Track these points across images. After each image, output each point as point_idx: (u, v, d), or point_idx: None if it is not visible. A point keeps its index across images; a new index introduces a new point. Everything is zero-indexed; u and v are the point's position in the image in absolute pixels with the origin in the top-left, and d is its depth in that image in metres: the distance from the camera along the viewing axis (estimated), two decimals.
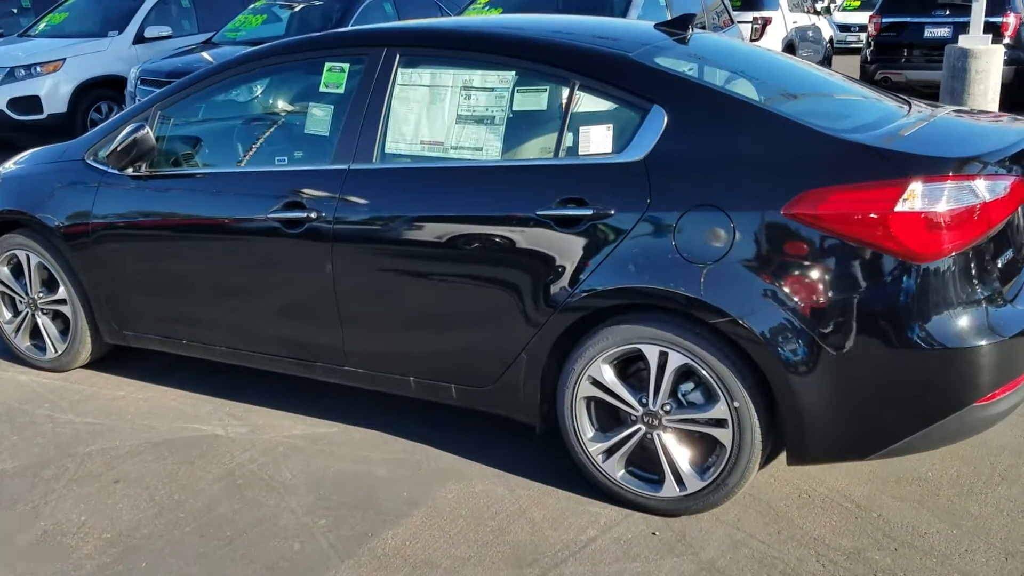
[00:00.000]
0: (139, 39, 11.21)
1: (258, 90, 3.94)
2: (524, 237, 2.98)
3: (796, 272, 2.65)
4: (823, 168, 2.68)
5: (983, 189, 2.63)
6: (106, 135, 3.91)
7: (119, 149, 3.68)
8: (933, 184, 2.58)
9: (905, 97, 3.57)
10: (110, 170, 3.81)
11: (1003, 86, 9.46)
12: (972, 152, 2.73)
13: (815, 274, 2.64)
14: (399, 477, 3.25)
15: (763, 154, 2.76)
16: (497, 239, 3.02)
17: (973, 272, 2.66)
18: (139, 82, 9.14)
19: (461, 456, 3.38)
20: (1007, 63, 10.09)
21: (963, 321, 2.63)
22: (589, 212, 2.88)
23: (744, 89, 3.13)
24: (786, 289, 2.65)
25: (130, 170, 3.76)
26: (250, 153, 3.75)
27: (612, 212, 2.85)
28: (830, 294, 2.63)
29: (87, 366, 4.24)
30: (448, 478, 3.23)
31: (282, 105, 3.96)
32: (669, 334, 2.80)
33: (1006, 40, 11.09)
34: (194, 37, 10.97)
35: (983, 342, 2.61)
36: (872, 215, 2.59)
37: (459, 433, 3.54)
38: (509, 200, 3.04)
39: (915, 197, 2.58)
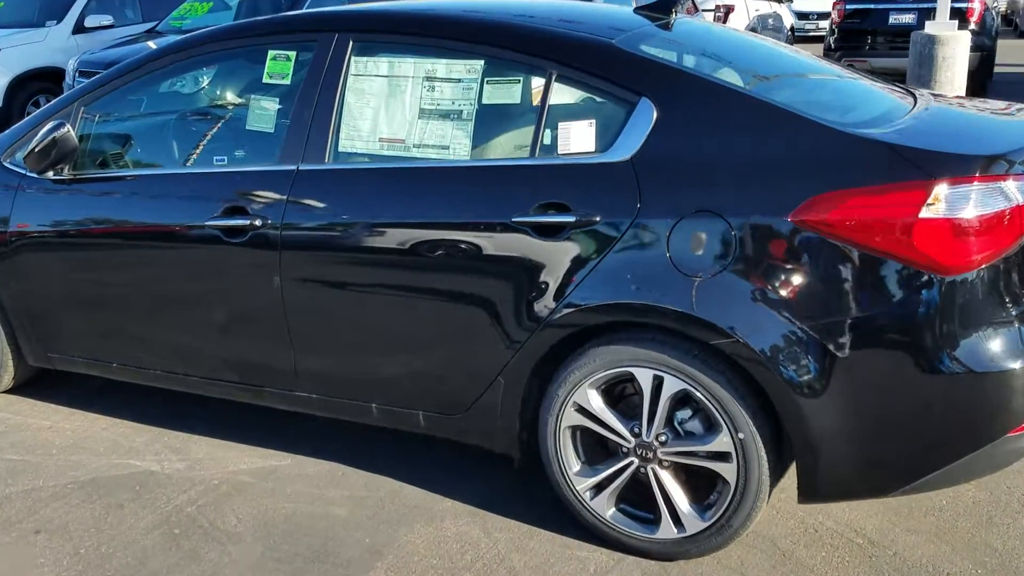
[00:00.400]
0: (79, 29, 10.71)
1: (194, 82, 3.54)
2: (498, 246, 2.64)
3: (807, 286, 2.34)
4: (835, 169, 2.37)
5: (1014, 191, 2.34)
6: (24, 134, 3.49)
7: (37, 150, 3.26)
8: (960, 186, 2.28)
9: (905, 87, 3.28)
10: (29, 173, 3.39)
11: (968, 73, 9.35)
12: (999, 149, 2.43)
13: (828, 289, 2.33)
14: (360, 519, 2.89)
15: (767, 153, 2.44)
16: (468, 249, 2.67)
17: (1005, 286, 2.37)
18: (77, 74, 8.65)
19: (430, 491, 3.03)
20: (972, 49, 9.95)
21: (994, 342, 2.33)
22: (572, 219, 2.54)
23: (739, 80, 2.81)
24: (796, 306, 2.34)
25: (51, 173, 3.35)
26: (185, 152, 3.35)
27: (597, 219, 2.52)
28: (845, 311, 2.32)
29: (10, 392, 3.81)
30: (416, 518, 2.88)
31: (221, 98, 3.56)
32: (664, 356, 2.48)
33: (971, 26, 10.98)
34: (137, 27, 10.44)
35: (1017, 365, 2.33)
36: (893, 222, 2.29)
37: (427, 463, 3.20)
38: (481, 205, 2.69)
39: (941, 201, 2.28)
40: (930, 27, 9.28)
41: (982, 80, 11.47)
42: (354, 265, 2.87)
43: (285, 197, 2.93)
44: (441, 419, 2.89)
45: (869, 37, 12.02)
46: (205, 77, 3.60)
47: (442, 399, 2.87)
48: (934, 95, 3.20)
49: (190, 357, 3.25)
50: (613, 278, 2.51)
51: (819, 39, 15.58)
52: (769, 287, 2.36)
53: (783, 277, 2.36)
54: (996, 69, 12.58)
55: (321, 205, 2.91)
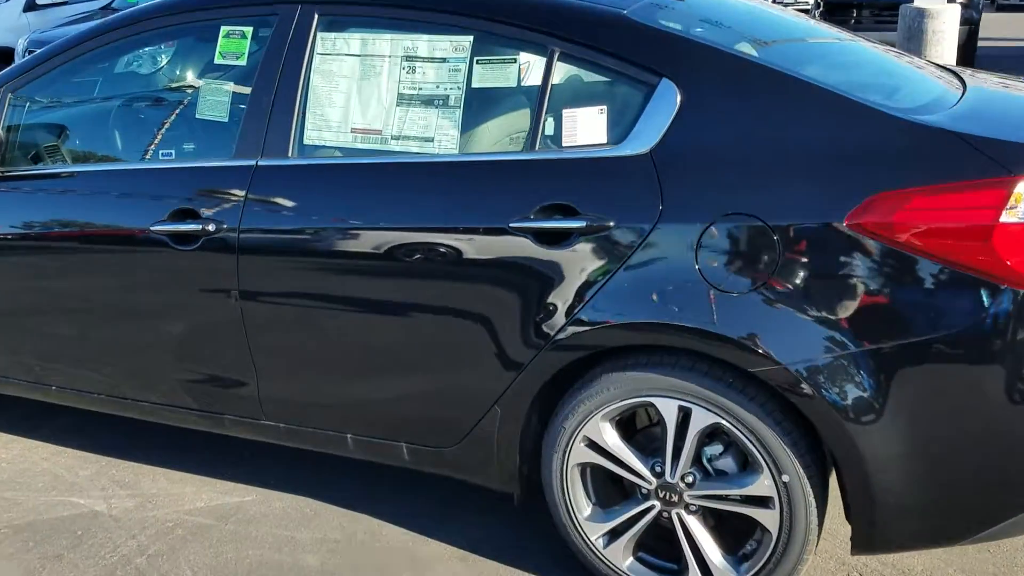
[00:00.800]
0: (30, 6, 10.18)
1: (137, 64, 3.11)
2: (493, 256, 2.26)
3: (863, 303, 1.97)
4: (896, 164, 2.00)
5: None
6: None
7: None
8: None
9: (948, 65, 2.92)
10: None
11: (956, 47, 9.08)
12: None
13: (888, 306, 1.97)
14: (335, 568, 2.50)
15: (813, 144, 2.06)
16: (457, 258, 2.29)
17: None
18: (27, 54, 8.11)
19: (413, 531, 2.65)
20: (960, 23, 9.66)
21: None
22: (580, 224, 2.16)
23: (771, 56, 2.42)
24: (850, 325, 1.98)
25: None
26: (127, 146, 2.94)
27: (610, 223, 2.13)
28: (909, 332, 1.96)
29: None
30: (399, 566, 2.50)
31: (168, 82, 3.12)
32: (692, 384, 2.11)
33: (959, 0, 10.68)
34: (92, 3, 9.88)
35: None
36: (966, 227, 1.93)
37: (410, 498, 2.82)
38: (472, 207, 2.31)
39: None
40: (920, 0, 8.97)
41: (969, 55, 11.18)
42: (324, 276, 2.48)
43: (242, 197, 2.53)
44: (428, 452, 2.51)
45: (855, 10, 11.70)
46: (149, 58, 3.16)
47: (429, 430, 2.49)
48: (976, 74, 2.84)
49: (138, 381, 2.84)
50: (630, 293, 2.13)
51: (803, 12, 15.23)
52: (818, 303, 1.99)
53: (834, 292, 1.99)
54: (978, 44, 12.30)
55: (284, 207, 2.51)
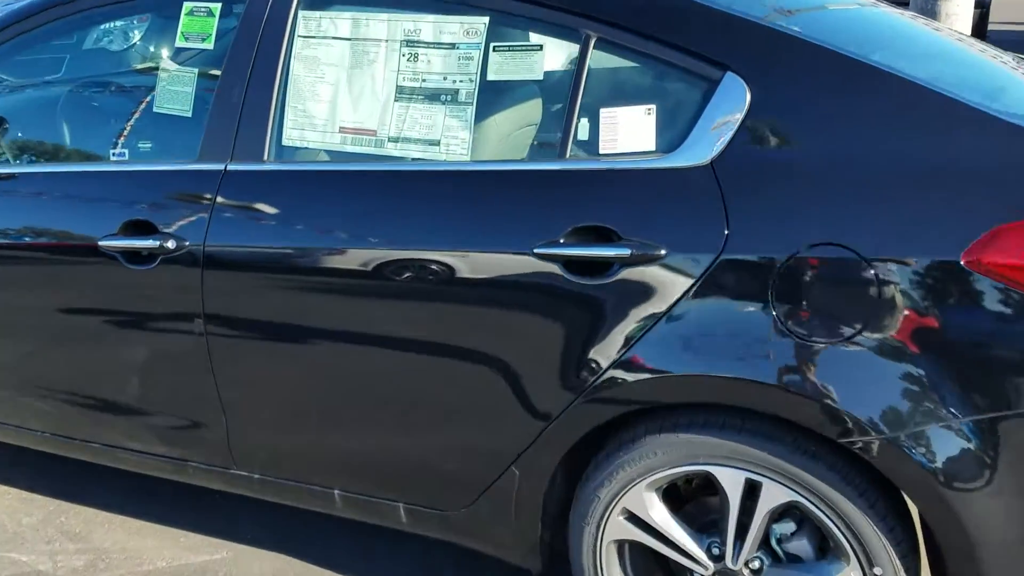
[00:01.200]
0: None
1: (84, 46, 2.66)
2: (514, 287, 1.84)
3: (989, 362, 1.57)
4: None
5: None
6: None
7: None
8: None
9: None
10: None
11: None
12: None
13: (1020, 366, 1.57)
14: None
15: (920, 157, 1.65)
16: (469, 287, 1.87)
17: None
18: None
19: None
20: (974, 6, 9.28)
21: None
22: (623, 252, 1.74)
23: (857, 47, 1.98)
24: (969, 389, 1.58)
25: None
26: (72, 143, 2.49)
27: (661, 252, 1.72)
28: None
29: None
30: None
31: (121, 69, 2.67)
32: (763, 453, 1.71)
33: None
34: None
35: None
36: None
37: (403, 560, 2.41)
38: (487, 226, 1.89)
39: None
40: None
41: (980, 39, 10.79)
42: (306, 303, 2.06)
43: (209, 209, 2.10)
44: (431, 515, 2.11)
45: None
46: (97, 39, 2.71)
47: (433, 488, 2.08)
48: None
49: (88, 419, 2.42)
50: (686, 338, 1.73)
51: None
52: (927, 360, 1.59)
53: (949, 345, 1.59)
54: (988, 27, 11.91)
55: (259, 220, 2.09)
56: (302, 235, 2.05)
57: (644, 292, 1.74)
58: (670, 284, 1.72)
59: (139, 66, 2.69)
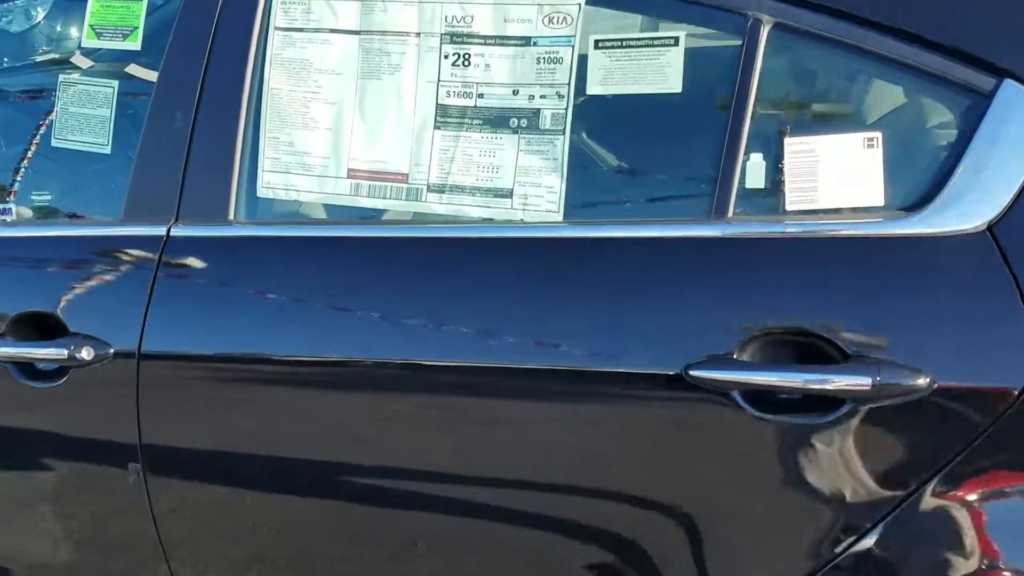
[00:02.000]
0: None
1: (11, 17, 1.85)
2: (654, 431, 1.16)
3: None
4: None
5: None
6: None
7: None
8: None
9: None
10: None
11: None
12: None
13: None
14: None
15: None
16: (573, 427, 1.20)
17: None
18: None
19: None
20: None
21: None
22: (860, 381, 1.05)
23: None
24: None
25: None
26: None
27: (922, 380, 1.02)
28: None
29: None
30: None
31: (11, 65, 1.87)
32: None
33: None
34: None
35: None
36: None
37: None
38: (599, 331, 1.18)
39: None
40: None
41: None
42: (297, 440, 1.37)
43: (144, 297, 1.36)
44: None
45: None
46: (21, 11, 1.89)
47: None
48: None
49: None
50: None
51: None
52: None
53: None
54: None
55: (225, 316, 1.36)
56: (291, 338, 1.33)
57: (899, 442, 1.06)
58: (944, 426, 1.05)
59: (41, 61, 1.88)
